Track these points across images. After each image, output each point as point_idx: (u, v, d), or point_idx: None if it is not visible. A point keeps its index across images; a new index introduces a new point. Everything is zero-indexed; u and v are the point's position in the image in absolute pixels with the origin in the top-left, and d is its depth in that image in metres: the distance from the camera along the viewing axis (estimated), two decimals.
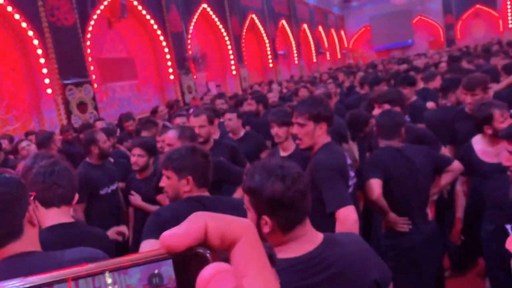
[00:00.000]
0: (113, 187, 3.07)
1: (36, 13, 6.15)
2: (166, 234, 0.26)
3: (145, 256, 0.26)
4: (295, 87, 6.80)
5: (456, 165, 2.28)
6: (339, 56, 22.62)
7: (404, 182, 2.18)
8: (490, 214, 2.30)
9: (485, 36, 19.68)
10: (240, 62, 12.28)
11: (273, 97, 5.47)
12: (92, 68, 7.08)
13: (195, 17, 10.34)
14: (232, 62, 11.88)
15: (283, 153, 2.58)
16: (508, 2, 17.50)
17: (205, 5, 10.68)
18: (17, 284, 0.25)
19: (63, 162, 1.53)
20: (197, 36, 10.71)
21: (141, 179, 2.91)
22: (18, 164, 2.91)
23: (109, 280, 0.25)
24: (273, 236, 1.15)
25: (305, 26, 17.80)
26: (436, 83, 4.34)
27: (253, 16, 13.36)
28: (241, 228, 0.27)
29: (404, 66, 9.01)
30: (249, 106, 5.00)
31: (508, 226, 2.13)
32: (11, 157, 3.92)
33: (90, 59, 7.04)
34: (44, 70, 6.29)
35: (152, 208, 2.61)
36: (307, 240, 1.16)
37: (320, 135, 1.97)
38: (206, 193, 1.75)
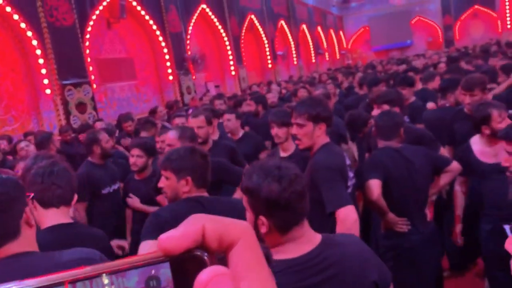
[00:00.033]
0: (115, 186, 3.09)
1: (35, 13, 6.14)
2: (163, 236, 0.26)
3: (142, 258, 0.26)
4: (294, 88, 6.81)
5: (455, 165, 2.29)
6: (338, 56, 22.65)
7: (403, 183, 2.18)
8: (488, 214, 2.30)
9: (483, 36, 19.72)
10: (239, 62, 12.28)
11: (272, 97, 5.47)
12: (91, 68, 7.07)
13: (194, 17, 10.34)
14: (231, 62, 11.89)
15: (283, 154, 2.58)
16: (507, 3, 17.54)
17: (204, 6, 10.68)
18: (14, 287, 0.24)
19: (63, 162, 1.53)
20: (196, 37, 10.71)
21: (139, 180, 2.91)
22: (17, 165, 2.91)
23: (107, 283, 0.25)
24: (270, 237, 1.15)
25: (304, 26, 17.82)
26: (435, 83, 4.34)
27: (252, 16, 13.37)
28: (239, 231, 0.27)
29: (403, 67, 9.02)
30: (248, 106, 5.00)
31: (506, 226, 2.14)
32: (10, 157, 3.91)
33: (89, 59, 7.04)
34: (43, 71, 6.28)
35: (151, 209, 2.61)
36: (305, 241, 1.16)
37: (319, 136, 1.97)
38: (205, 194, 1.75)
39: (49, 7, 6.32)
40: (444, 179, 2.32)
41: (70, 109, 6.52)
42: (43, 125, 6.39)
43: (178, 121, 3.66)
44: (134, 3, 8.25)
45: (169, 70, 9.24)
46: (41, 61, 6.25)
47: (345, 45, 23.95)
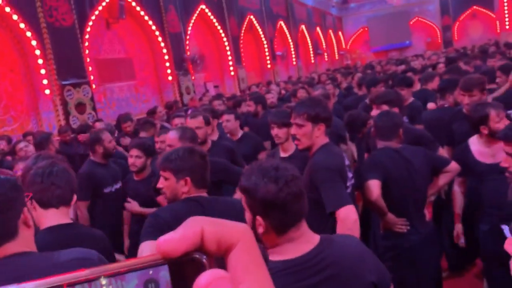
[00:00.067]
0: (117, 186, 3.12)
1: (34, 14, 6.14)
2: (162, 239, 0.26)
3: (141, 261, 0.26)
4: (293, 88, 6.81)
5: (454, 165, 2.29)
6: (337, 57, 22.67)
7: (403, 183, 2.18)
8: (486, 214, 2.31)
9: (482, 37, 19.77)
10: (238, 63, 12.29)
11: (271, 98, 5.47)
12: (90, 68, 7.07)
13: (194, 18, 10.34)
14: (230, 63, 11.89)
15: (283, 154, 2.59)
16: (505, 4, 17.58)
17: (203, 6, 10.68)
18: None
19: (63, 163, 1.53)
20: (196, 37, 10.72)
21: (138, 180, 2.91)
22: (15, 165, 2.91)
23: (106, 286, 0.25)
24: (267, 237, 1.15)
25: (303, 27, 17.83)
26: (435, 84, 4.35)
27: (251, 17, 13.38)
28: (238, 233, 0.27)
29: (402, 67, 9.04)
30: (248, 107, 5.00)
31: (504, 227, 2.14)
32: (9, 158, 3.91)
33: (88, 59, 7.04)
34: (42, 71, 6.28)
35: (150, 211, 2.61)
36: (303, 241, 1.16)
37: (318, 136, 1.97)
38: (204, 194, 1.75)
39: (48, 8, 6.32)
40: (443, 180, 2.33)
41: (69, 109, 6.51)
42: (42, 126, 6.39)
43: (178, 121, 3.66)
44: (133, 4, 8.25)
45: (168, 71, 9.24)
46: (40, 61, 6.24)
47: (344, 46, 23.98)
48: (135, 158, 2.85)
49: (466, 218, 2.49)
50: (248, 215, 1.18)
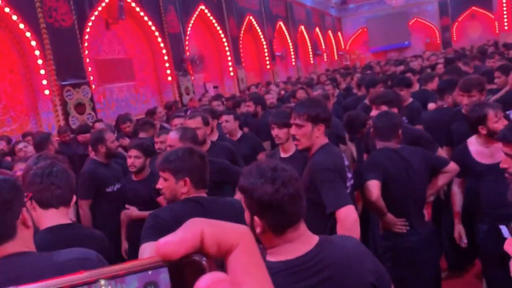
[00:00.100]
0: (118, 185, 3.14)
1: (34, 14, 6.14)
2: (161, 241, 0.26)
3: (140, 263, 0.25)
4: (293, 89, 6.82)
5: (453, 166, 2.30)
6: (336, 57, 22.69)
7: (402, 183, 2.19)
8: (485, 214, 2.31)
9: (481, 37, 19.80)
10: (238, 63, 12.29)
11: (271, 98, 5.48)
12: (90, 69, 7.07)
13: (193, 18, 10.34)
14: (230, 63, 11.89)
15: (283, 155, 2.59)
16: (504, 4, 17.61)
17: (203, 7, 10.69)
18: None
19: (64, 163, 1.53)
20: (195, 38, 10.72)
21: (137, 181, 2.92)
22: (15, 166, 2.91)
23: None
24: (265, 237, 1.16)
25: (302, 27, 17.84)
26: (435, 84, 4.35)
27: (251, 17, 13.38)
28: (238, 235, 0.27)
29: (401, 68, 9.05)
30: (247, 107, 5.01)
31: (502, 227, 2.15)
32: (9, 158, 3.91)
33: (88, 60, 7.03)
34: (42, 71, 6.27)
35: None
36: (302, 242, 1.16)
37: (318, 137, 1.97)
38: (204, 194, 1.75)
39: (48, 8, 6.32)
40: (442, 180, 2.33)
41: (69, 109, 6.51)
42: (42, 126, 6.38)
43: (177, 121, 3.66)
44: (133, 4, 8.25)
45: (168, 71, 9.24)
46: (40, 61, 6.24)
47: (343, 46, 24.00)
48: (134, 159, 2.85)
49: (465, 218, 2.50)
50: (247, 214, 1.19)
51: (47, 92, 6.34)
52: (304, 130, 1.96)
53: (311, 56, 18.69)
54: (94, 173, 3.07)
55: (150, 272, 0.25)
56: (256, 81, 12.61)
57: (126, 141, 4.32)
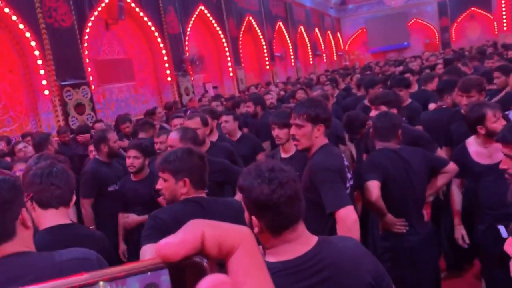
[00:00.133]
0: None
1: (33, 14, 6.14)
2: (162, 243, 0.25)
3: (140, 265, 0.25)
4: (292, 89, 6.82)
5: (452, 166, 2.30)
6: (335, 58, 22.70)
7: (402, 183, 2.19)
8: (483, 214, 2.32)
9: (480, 38, 19.84)
10: (237, 63, 12.30)
11: (270, 98, 5.48)
12: (89, 69, 7.07)
13: (193, 19, 10.35)
14: (229, 64, 11.90)
15: (284, 155, 2.59)
16: (503, 5, 17.63)
17: (202, 7, 10.69)
18: None
19: (63, 163, 1.53)
20: (195, 38, 10.72)
21: (136, 181, 2.92)
22: (14, 166, 2.91)
23: None
24: (263, 237, 1.16)
25: (301, 28, 17.86)
26: (435, 85, 4.36)
27: (250, 18, 13.39)
28: (239, 237, 0.27)
29: (400, 68, 9.05)
30: (247, 108, 5.01)
31: (500, 227, 2.15)
32: (8, 159, 3.90)
33: (87, 60, 7.04)
34: (42, 72, 6.27)
35: None
36: (300, 243, 1.16)
37: (318, 137, 1.97)
38: (203, 195, 1.75)
39: (47, 8, 6.32)
40: (441, 180, 2.34)
41: (68, 110, 6.51)
42: (42, 126, 6.38)
43: (177, 122, 3.66)
44: (133, 5, 8.26)
45: (168, 71, 9.24)
46: (39, 62, 6.24)
47: (342, 47, 24.02)
48: (133, 159, 2.85)
49: (465, 219, 2.50)
50: (246, 214, 1.19)
51: (46, 92, 6.34)
52: (304, 131, 1.96)
53: (310, 56, 18.70)
54: (97, 172, 3.10)
55: (150, 274, 0.25)
56: (255, 81, 12.61)
57: (125, 143, 4.33)
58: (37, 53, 6.19)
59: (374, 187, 2.13)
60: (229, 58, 11.85)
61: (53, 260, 1.11)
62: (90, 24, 7.23)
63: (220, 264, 0.27)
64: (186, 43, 9.90)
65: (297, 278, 1.12)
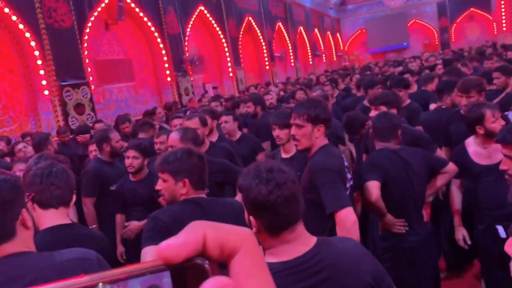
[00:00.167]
0: None
1: (33, 14, 6.14)
2: (163, 245, 0.25)
3: (142, 267, 0.25)
4: (292, 90, 6.82)
5: (451, 167, 2.31)
6: (335, 58, 22.72)
7: (401, 184, 2.19)
8: (483, 215, 2.32)
9: (479, 38, 19.86)
10: (237, 64, 12.30)
11: (270, 99, 5.48)
12: (89, 69, 7.07)
13: (192, 19, 10.35)
14: (229, 64, 11.90)
15: (284, 155, 2.59)
16: (502, 6, 17.66)
17: (202, 8, 10.70)
18: None
19: (64, 163, 1.53)
20: (194, 38, 10.73)
21: (135, 181, 2.92)
22: (14, 166, 2.91)
23: None
24: (261, 237, 1.16)
25: (301, 28, 17.87)
26: (434, 85, 4.36)
27: (250, 18, 13.40)
28: (240, 238, 0.26)
29: (399, 69, 9.06)
30: (247, 108, 5.01)
31: (499, 227, 2.15)
32: (8, 159, 3.90)
33: (87, 60, 7.04)
34: (41, 72, 6.27)
35: None
36: (299, 243, 1.16)
37: (318, 137, 1.97)
38: (203, 195, 1.75)
39: (47, 8, 6.32)
40: (440, 181, 2.34)
41: (68, 110, 6.51)
42: (41, 126, 6.38)
43: (177, 122, 3.67)
44: (133, 5, 8.26)
45: (167, 72, 9.24)
46: (39, 62, 6.24)
47: (342, 47, 24.03)
48: (132, 159, 2.85)
49: (464, 219, 2.50)
50: (246, 214, 1.19)
51: (46, 92, 6.34)
52: (304, 131, 1.96)
53: (310, 57, 18.71)
54: (99, 172, 3.12)
55: (152, 276, 0.25)
56: (255, 81, 12.62)
57: (124, 144, 4.33)
58: (37, 53, 6.19)
59: (374, 187, 2.13)
60: (228, 59, 11.85)
61: (53, 260, 1.11)
62: (90, 24, 7.23)
63: (222, 266, 0.27)
64: (186, 43, 9.90)
65: (296, 278, 1.12)
